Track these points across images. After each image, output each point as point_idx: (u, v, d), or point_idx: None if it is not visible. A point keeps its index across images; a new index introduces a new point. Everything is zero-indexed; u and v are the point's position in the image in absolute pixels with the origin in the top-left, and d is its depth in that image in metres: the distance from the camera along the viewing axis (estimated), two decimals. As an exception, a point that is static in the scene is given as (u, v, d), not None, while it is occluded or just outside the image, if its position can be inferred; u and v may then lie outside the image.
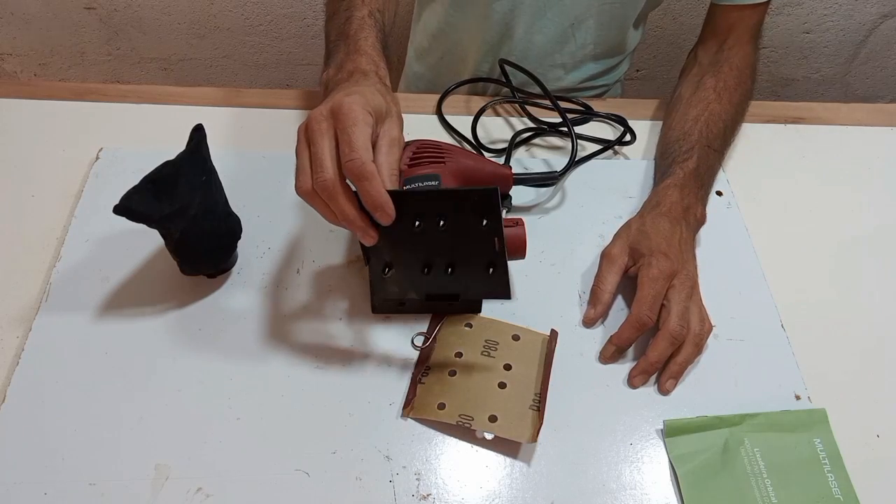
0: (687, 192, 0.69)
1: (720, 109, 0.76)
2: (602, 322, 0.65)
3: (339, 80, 0.61)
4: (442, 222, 0.53)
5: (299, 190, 0.52)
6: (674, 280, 0.62)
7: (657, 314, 0.62)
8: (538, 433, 0.55)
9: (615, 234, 0.68)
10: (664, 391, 0.60)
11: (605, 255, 0.67)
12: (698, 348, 0.61)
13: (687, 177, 0.70)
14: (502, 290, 0.56)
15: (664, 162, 0.75)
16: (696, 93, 0.78)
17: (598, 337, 0.64)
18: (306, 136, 0.52)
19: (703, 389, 0.61)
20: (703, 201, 0.71)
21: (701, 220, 0.70)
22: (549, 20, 0.86)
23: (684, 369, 0.61)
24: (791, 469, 0.56)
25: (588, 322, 0.64)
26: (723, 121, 0.76)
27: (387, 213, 0.50)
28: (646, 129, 0.82)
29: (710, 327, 0.63)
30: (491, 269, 0.55)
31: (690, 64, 0.84)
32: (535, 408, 0.58)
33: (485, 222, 0.53)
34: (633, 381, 0.61)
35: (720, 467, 0.56)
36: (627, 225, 0.68)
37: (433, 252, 0.56)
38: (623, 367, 0.62)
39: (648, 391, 0.61)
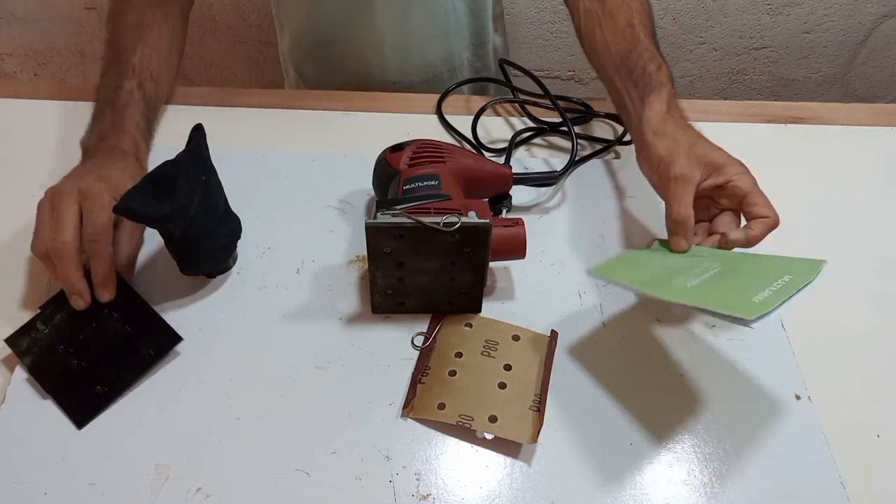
0: (678, 111, 0.67)
1: (638, 5, 0.73)
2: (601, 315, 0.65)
3: (98, 151, 0.66)
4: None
5: (34, 250, 0.59)
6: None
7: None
8: (538, 433, 0.56)
9: (661, 154, 0.63)
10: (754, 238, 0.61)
11: (679, 178, 0.61)
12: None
13: (670, 91, 0.67)
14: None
15: (631, 76, 0.69)
16: (607, 2, 0.74)
17: (598, 337, 0.64)
18: (51, 201, 0.59)
19: (703, 389, 0.61)
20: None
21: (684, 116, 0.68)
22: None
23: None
24: (737, 276, 0.56)
25: (684, 244, 0.61)
26: (647, 14, 0.73)
27: (107, 291, 0.59)
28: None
29: None
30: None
31: None
32: (535, 408, 0.58)
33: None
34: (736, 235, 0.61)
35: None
36: (674, 145, 0.63)
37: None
38: (623, 368, 0.62)
39: (649, 392, 0.61)
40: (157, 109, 0.76)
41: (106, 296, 0.59)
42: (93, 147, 0.66)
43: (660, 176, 0.63)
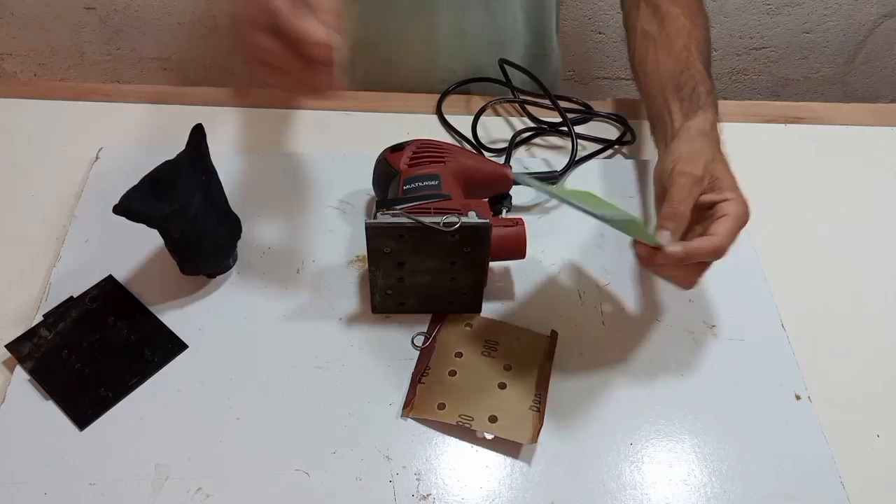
0: (717, 127, 0.66)
1: (699, 33, 0.72)
2: (604, 320, 0.64)
3: None
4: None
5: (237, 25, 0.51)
6: (743, 226, 0.59)
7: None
8: (538, 434, 0.55)
9: (682, 152, 0.62)
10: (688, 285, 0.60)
11: (690, 175, 0.60)
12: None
13: (713, 110, 0.66)
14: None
15: (681, 92, 0.68)
16: (667, 24, 0.73)
17: (598, 337, 0.64)
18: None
19: (703, 389, 0.61)
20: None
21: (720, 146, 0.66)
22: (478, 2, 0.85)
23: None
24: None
25: (668, 238, 0.57)
26: (705, 42, 0.72)
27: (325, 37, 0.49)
28: (646, 129, 0.82)
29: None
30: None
31: (632, 8, 0.78)
32: (535, 408, 0.58)
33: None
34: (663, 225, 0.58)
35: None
36: (700, 148, 0.62)
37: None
38: (623, 369, 0.62)
39: (649, 392, 0.61)
40: None
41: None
42: None
43: (672, 170, 0.61)
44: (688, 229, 0.59)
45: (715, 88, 0.69)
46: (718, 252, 0.57)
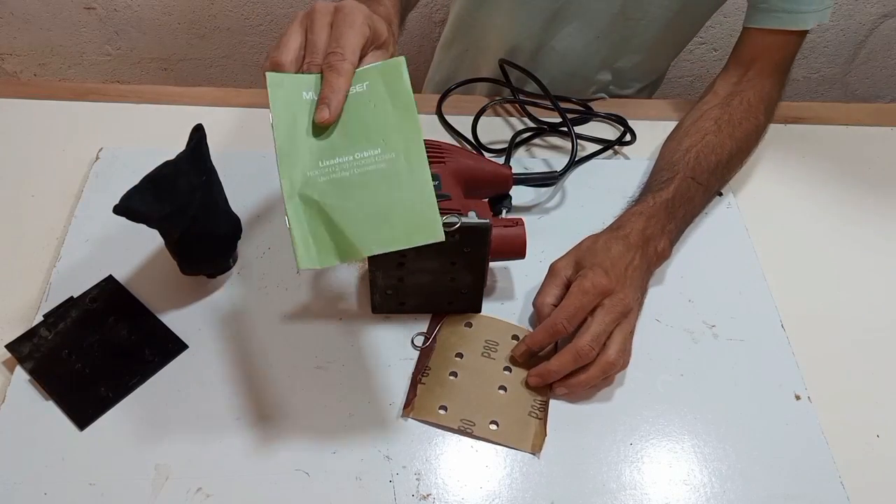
0: (653, 223, 0.65)
1: (717, 142, 0.72)
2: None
3: None
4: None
5: (273, 61, 0.50)
6: (604, 299, 0.58)
7: (575, 326, 0.58)
8: (542, 444, 0.56)
9: (568, 250, 0.64)
10: (554, 394, 0.59)
11: (550, 268, 0.63)
12: (605, 374, 0.58)
13: (657, 207, 0.66)
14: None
15: (643, 188, 0.71)
16: (697, 122, 0.75)
17: (598, 337, 0.64)
18: (306, 20, 0.52)
19: (703, 389, 0.61)
20: (671, 236, 0.66)
21: (662, 255, 0.65)
22: (574, 29, 0.85)
23: (582, 388, 0.58)
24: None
25: (529, 343, 0.60)
26: (717, 154, 0.71)
27: (332, 108, 0.49)
28: (646, 129, 0.82)
29: (627, 362, 0.59)
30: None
31: (707, 92, 0.80)
32: (536, 415, 0.58)
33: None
34: (529, 379, 0.59)
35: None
36: (581, 242, 0.64)
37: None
38: (624, 369, 0.62)
39: (649, 392, 0.61)
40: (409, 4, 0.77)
41: (323, 114, 0.49)
42: None
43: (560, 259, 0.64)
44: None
45: (678, 186, 0.69)
46: (553, 328, 0.58)
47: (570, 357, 0.57)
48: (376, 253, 0.46)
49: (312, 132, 0.48)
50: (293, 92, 0.49)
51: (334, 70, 0.49)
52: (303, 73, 0.51)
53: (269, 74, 0.49)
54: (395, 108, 0.50)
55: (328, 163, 0.48)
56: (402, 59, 0.51)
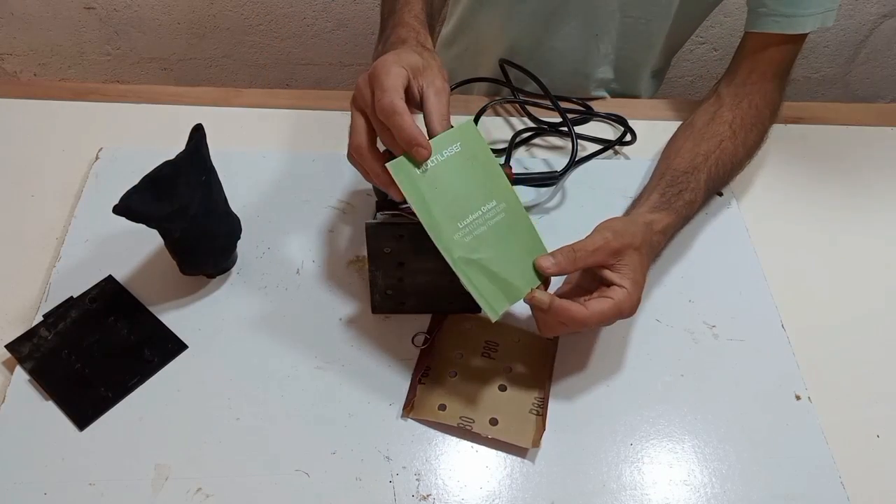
0: (669, 235, 0.66)
1: (732, 149, 0.73)
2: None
3: (381, 53, 0.61)
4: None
5: (352, 147, 0.55)
6: (620, 318, 0.57)
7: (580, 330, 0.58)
8: (541, 438, 0.55)
9: (616, 227, 0.59)
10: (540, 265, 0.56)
11: (608, 241, 0.58)
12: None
13: (679, 218, 0.66)
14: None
15: (669, 188, 0.69)
16: (711, 125, 0.74)
17: (600, 337, 0.64)
18: (353, 105, 0.56)
19: (703, 389, 0.61)
20: (671, 238, 0.67)
21: (656, 251, 0.65)
22: (573, 27, 0.85)
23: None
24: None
25: (549, 262, 0.56)
26: (731, 162, 0.73)
27: (421, 145, 0.52)
28: (646, 129, 0.82)
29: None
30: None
31: (710, 95, 0.80)
32: (536, 412, 0.58)
33: None
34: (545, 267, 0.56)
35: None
36: (630, 233, 0.60)
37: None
38: (623, 369, 0.62)
39: (649, 392, 0.61)
40: (435, 7, 0.77)
41: (420, 153, 0.52)
42: (378, 54, 0.63)
43: (600, 226, 0.60)
44: (578, 293, 0.59)
45: (700, 202, 0.70)
46: (581, 324, 0.55)
47: (573, 320, 0.55)
48: (530, 287, 0.55)
49: (439, 198, 0.53)
50: (411, 170, 0.53)
51: (389, 115, 0.51)
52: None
53: (388, 165, 0.52)
54: (483, 163, 0.55)
55: (465, 222, 0.54)
56: (471, 120, 0.59)
